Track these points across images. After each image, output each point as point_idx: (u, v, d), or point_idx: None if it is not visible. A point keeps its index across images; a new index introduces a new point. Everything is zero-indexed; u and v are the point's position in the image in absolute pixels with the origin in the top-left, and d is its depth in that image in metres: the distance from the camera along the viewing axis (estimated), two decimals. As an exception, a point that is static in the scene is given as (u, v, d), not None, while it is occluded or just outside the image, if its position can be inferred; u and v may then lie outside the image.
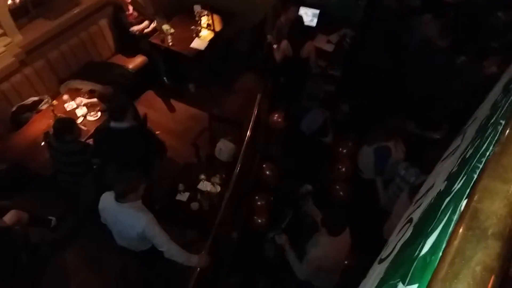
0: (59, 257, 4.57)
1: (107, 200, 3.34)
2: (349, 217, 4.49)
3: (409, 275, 0.79)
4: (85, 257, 4.59)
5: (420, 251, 0.85)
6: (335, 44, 5.85)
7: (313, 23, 5.90)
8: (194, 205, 4.23)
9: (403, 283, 0.82)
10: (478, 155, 0.98)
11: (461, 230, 0.60)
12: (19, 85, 4.99)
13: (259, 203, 4.62)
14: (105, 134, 4.01)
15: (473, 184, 0.73)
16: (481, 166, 0.78)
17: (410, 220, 1.96)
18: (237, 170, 4.32)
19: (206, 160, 5.14)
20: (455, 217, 0.68)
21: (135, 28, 5.76)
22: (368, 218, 4.17)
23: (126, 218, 3.30)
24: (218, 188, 4.36)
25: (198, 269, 3.55)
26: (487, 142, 1.01)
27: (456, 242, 0.59)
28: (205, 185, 4.38)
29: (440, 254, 0.63)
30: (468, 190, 0.73)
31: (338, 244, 3.31)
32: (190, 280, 3.55)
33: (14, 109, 4.95)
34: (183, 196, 4.29)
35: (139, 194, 3.26)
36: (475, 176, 0.76)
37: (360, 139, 4.57)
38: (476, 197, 0.63)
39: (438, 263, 0.59)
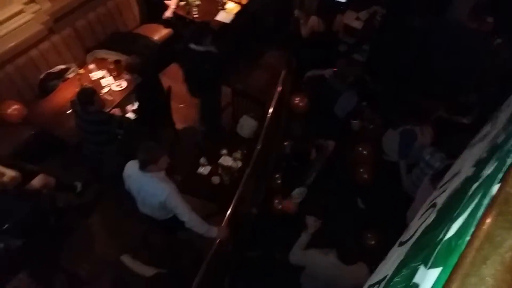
0: (85, 221, 4.73)
1: (132, 168, 3.41)
2: (371, 200, 4.51)
3: (432, 258, 0.77)
4: (109, 222, 4.73)
5: (445, 235, 0.82)
6: (364, 21, 5.68)
7: (343, -2, 5.72)
8: (215, 179, 4.27)
9: (425, 266, 0.80)
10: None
11: (491, 215, 0.58)
12: (47, 53, 5.06)
13: (278, 181, 4.62)
14: (184, 55, 4.43)
15: (507, 169, 0.69)
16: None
17: (434, 205, 1.92)
18: (259, 147, 4.32)
19: (228, 135, 5.15)
20: (485, 202, 0.66)
21: (168, 13, 5.70)
22: (391, 201, 4.13)
23: (149, 187, 3.37)
24: (239, 164, 4.38)
25: (217, 241, 3.61)
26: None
27: (485, 227, 0.57)
28: (226, 160, 4.40)
29: (468, 238, 0.60)
30: (500, 175, 0.69)
31: (344, 272, 3.07)
32: (209, 251, 3.62)
33: (42, 76, 5.05)
34: (205, 170, 4.34)
35: (160, 167, 3.31)
36: (509, 161, 0.73)
37: (386, 122, 4.47)
38: (510, 182, 0.59)
39: (465, 247, 0.57)
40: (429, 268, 0.75)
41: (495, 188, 0.66)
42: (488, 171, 0.98)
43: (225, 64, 4.66)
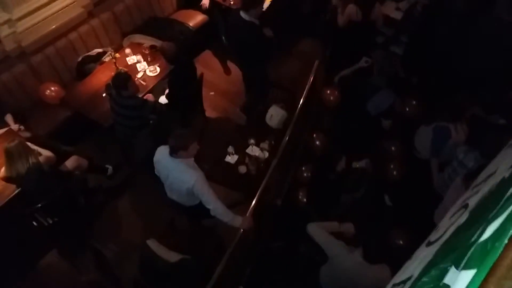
0: (113, 203, 4.84)
1: (162, 153, 3.46)
2: (399, 198, 4.41)
3: (465, 259, 0.74)
4: (137, 206, 4.83)
5: (479, 237, 0.79)
6: (404, 11, 5.50)
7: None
8: (242, 168, 4.29)
9: (456, 267, 0.77)
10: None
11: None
12: (86, 36, 5.18)
13: (304, 174, 4.57)
14: (233, 20, 4.61)
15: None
16: None
17: (466, 206, 1.85)
18: (287, 138, 4.29)
19: (256, 125, 5.14)
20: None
21: (205, 1, 5.71)
22: (419, 199, 4.03)
23: (178, 172, 3.42)
24: (266, 154, 4.38)
25: (241, 230, 3.63)
26: None
27: (527, 231, 0.54)
28: (253, 150, 4.41)
29: (506, 241, 0.57)
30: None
31: (367, 271, 3.01)
32: (232, 239, 3.65)
33: (79, 59, 5.18)
34: (232, 159, 4.36)
35: (190, 153, 3.35)
36: None
37: (419, 120, 4.33)
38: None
39: (503, 251, 0.54)
40: (462, 269, 0.73)
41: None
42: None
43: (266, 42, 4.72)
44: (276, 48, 5.54)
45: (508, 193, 0.94)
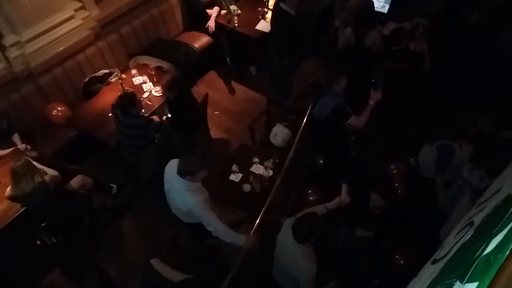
0: (118, 222, 4.85)
1: (172, 166, 3.49)
2: (404, 216, 4.38)
3: (469, 273, 0.75)
4: (141, 225, 4.83)
5: (483, 251, 0.79)
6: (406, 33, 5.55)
7: (385, 9, 5.64)
8: (246, 187, 4.28)
9: (461, 282, 0.78)
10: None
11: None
12: (93, 57, 5.28)
13: (310, 198, 4.56)
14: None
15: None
16: None
17: (471, 223, 1.85)
18: (290, 156, 4.30)
19: (260, 143, 5.16)
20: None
21: (211, 23, 5.83)
22: (424, 217, 4.01)
23: (178, 191, 3.46)
24: (271, 173, 4.37)
25: (245, 249, 3.61)
26: None
27: (528, 242, 0.54)
28: (258, 168, 4.41)
29: (507, 253, 0.58)
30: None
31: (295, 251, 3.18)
32: (237, 258, 3.62)
33: (86, 79, 5.26)
34: (236, 177, 4.36)
35: (197, 179, 3.39)
36: None
37: (423, 137, 4.34)
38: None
39: (504, 261, 0.55)
40: (466, 283, 0.73)
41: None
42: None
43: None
44: (306, 45, 5.83)
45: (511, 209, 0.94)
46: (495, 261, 0.60)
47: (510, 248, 0.58)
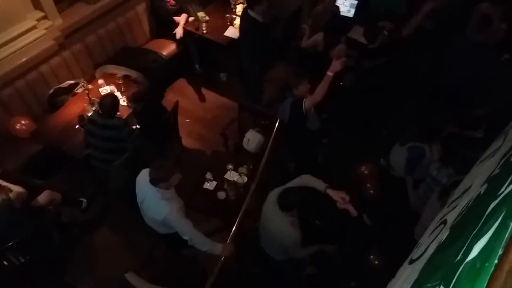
0: (89, 237, 4.70)
1: (144, 176, 3.41)
2: (378, 216, 4.46)
3: (454, 280, 0.75)
4: (114, 238, 4.70)
5: (465, 255, 0.80)
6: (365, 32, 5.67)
7: (351, 13, 5.76)
8: (221, 194, 4.24)
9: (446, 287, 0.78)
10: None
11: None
12: (57, 68, 5.11)
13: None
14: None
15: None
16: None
17: (444, 222, 1.89)
18: (264, 162, 4.31)
19: (234, 150, 5.15)
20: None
21: (179, 30, 5.79)
22: (398, 217, 4.10)
23: (151, 201, 3.39)
24: (245, 179, 4.36)
25: (222, 257, 3.58)
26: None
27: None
28: (232, 175, 4.38)
29: (496, 261, 0.59)
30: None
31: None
32: (214, 267, 3.59)
33: (51, 91, 5.09)
34: (211, 185, 4.32)
35: (171, 184, 3.32)
36: None
37: (393, 138, 4.44)
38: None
39: (494, 271, 0.55)
40: (452, 291, 0.74)
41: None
42: (507, 190, 0.96)
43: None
44: (276, 50, 5.82)
45: (488, 210, 0.96)
46: (483, 270, 0.61)
47: (497, 257, 0.59)
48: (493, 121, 4.03)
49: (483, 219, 0.94)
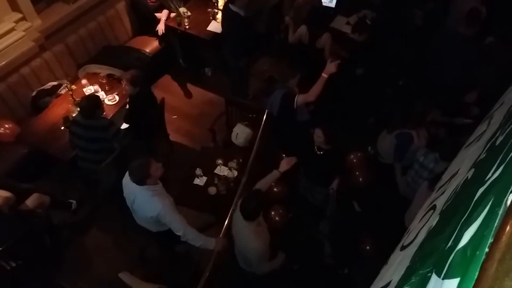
0: (81, 238, 4.67)
1: (129, 178, 3.38)
2: (368, 203, 4.52)
3: (446, 267, 0.77)
4: (106, 239, 4.68)
5: (456, 242, 0.82)
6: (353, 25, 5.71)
7: (332, 3, 5.77)
8: (212, 190, 4.24)
9: (438, 275, 0.80)
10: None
11: (510, 225, 0.57)
12: (39, 70, 5.03)
13: (275, 189, 4.59)
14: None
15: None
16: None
17: (433, 207, 1.93)
18: (254, 155, 4.32)
19: (223, 145, 5.14)
20: (501, 211, 0.66)
21: (161, 26, 5.72)
22: (388, 204, 4.15)
23: (142, 200, 3.37)
24: (235, 173, 4.37)
25: (215, 252, 3.59)
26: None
27: (505, 239, 0.57)
28: (222, 170, 4.39)
29: (486, 249, 0.60)
30: (512, 184, 0.69)
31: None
32: (208, 262, 3.60)
33: (34, 93, 5.01)
34: (201, 181, 4.31)
35: (155, 177, 3.29)
36: None
37: (380, 126, 4.49)
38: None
39: (485, 259, 0.57)
40: (444, 278, 0.75)
41: (510, 196, 0.66)
42: (493, 175, 0.98)
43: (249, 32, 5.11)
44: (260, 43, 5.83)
45: (477, 196, 0.99)
46: (474, 258, 0.62)
47: (487, 245, 0.61)
48: (483, 105, 4.11)
49: (472, 205, 0.96)
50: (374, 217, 4.42)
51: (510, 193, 0.67)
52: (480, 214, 0.78)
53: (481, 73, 4.42)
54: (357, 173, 4.65)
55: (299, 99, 4.10)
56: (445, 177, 2.41)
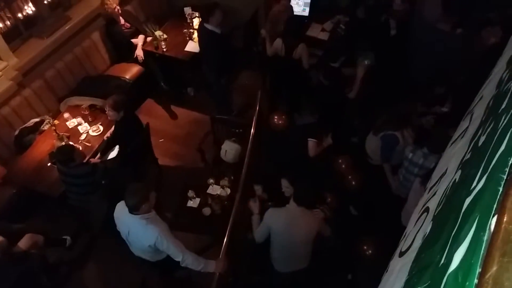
0: (78, 274, 4.60)
1: (120, 209, 3.34)
2: (363, 205, 4.52)
3: (440, 289, 0.77)
4: (104, 272, 4.61)
5: (449, 260, 0.82)
6: (329, 31, 5.77)
7: (306, 12, 5.83)
8: (206, 210, 4.21)
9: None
10: (498, 154, 0.93)
11: (495, 256, 0.57)
12: (19, 108, 4.98)
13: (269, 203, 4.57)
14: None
15: (499, 198, 0.69)
16: (505, 177, 0.74)
17: (427, 209, 1.93)
18: (245, 170, 4.30)
19: (212, 163, 5.11)
20: (485, 237, 0.65)
21: (139, 52, 5.72)
22: (383, 204, 4.16)
23: (137, 230, 3.31)
24: (228, 191, 4.34)
25: (217, 274, 3.55)
26: (506, 138, 0.95)
27: (492, 270, 0.56)
28: (214, 189, 4.36)
29: (475, 281, 0.60)
30: (495, 205, 0.69)
31: (294, 215, 3.37)
32: (211, 285, 3.55)
33: (16, 132, 4.94)
34: (194, 202, 4.28)
35: (151, 204, 3.25)
36: (500, 189, 0.73)
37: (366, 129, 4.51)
38: (506, 218, 0.59)
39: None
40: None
41: (493, 221, 0.66)
42: (478, 185, 0.98)
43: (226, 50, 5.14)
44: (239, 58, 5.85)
45: (464, 207, 0.99)
46: (466, 287, 0.62)
47: (476, 276, 0.60)
48: (458, 94, 4.19)
49: (460, 217, 0.96)
50: (371, 219, 4.43)
51: (493, 216, 0.67)
52: (468, 233, 0.77)
53: (453, 62, 4.51)
54: (350, 177, 4.65)
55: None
56: (435, 176, 2.42)
